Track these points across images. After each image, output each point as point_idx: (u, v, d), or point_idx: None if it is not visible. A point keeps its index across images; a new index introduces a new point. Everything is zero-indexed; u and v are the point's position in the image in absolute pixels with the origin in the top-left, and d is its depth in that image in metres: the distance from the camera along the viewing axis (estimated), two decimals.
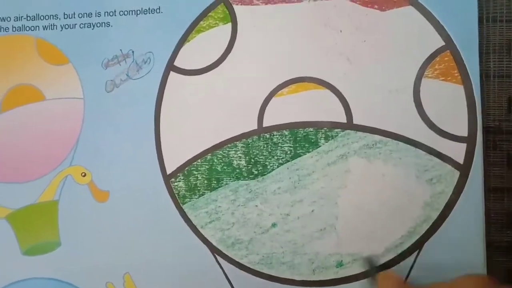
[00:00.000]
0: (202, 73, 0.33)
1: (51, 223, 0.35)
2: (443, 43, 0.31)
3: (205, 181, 0.33)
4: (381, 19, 0.31)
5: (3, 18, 0.36)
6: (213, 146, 0.33)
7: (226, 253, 0.32)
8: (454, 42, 0.30)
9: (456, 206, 0.30)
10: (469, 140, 0.30)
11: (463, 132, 0.30)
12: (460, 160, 0.30)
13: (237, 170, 0.32)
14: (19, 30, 0.36)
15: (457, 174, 0.30)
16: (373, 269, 0.30)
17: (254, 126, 0.32)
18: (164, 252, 0.33)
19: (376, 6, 0.31)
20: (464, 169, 0.30)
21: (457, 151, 0.30)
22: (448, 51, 0.30)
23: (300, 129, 0.32)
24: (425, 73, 0.31)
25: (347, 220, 0.31)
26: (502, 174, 0.30)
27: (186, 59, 0.33)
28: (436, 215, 0.30)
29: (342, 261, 0.31)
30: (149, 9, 0.34)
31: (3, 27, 0.36)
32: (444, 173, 0.30)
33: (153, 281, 0.33)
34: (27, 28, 0.36)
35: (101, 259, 0.34)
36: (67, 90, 0.35)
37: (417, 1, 0.31)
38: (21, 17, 0.36)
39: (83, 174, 0.34)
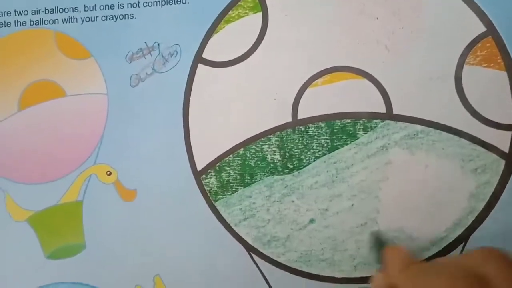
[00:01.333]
0: (232, 65, 0.32)
1: (75, 224, 0.33)
2: (485, 29, 0.30)
3: (238, 177, 0.31)
4: (418, 4, 0.30)
5: (20, 12, 0.34)
6: (245, 141, 0.31)
7: (262, 251, 0.31)
8: (496, 27, 0.29)
9: (502, 197, 0.29)
10: None
11: (508, 119, 0.29)
12: (506, 148, 0.29)
13: (272, 165, 0.31)
14: (37, 24, 0.34)
15: (502, 163, 0.29)
16: (379, 244, 0.28)
17: (288, 118, 0.31)
18: (196, 252, 0.31)
19: None
20: (510, 158, 0.29)
21: (502, 140, 0.29)
22: (490, 37, 0.29)
23: (337, 121, 0.31)
24: (467, 60, 0.30)
25: (389, 214, 0.30)
26: None
27: (215, 50, 0.32)
28: (481, 207, 0.29)
29: None
30: None
31: (20, 21, 0.34)
32: (489, 163, 0.29)
33: (185, 283, 0.32)
34: (46, 22, 0.34)
35: (129, 261, 0.32)
36: (90, 85, 0.33)
37: None
38: (39, 10, 0.34)
39: (108, 172, 0.33)
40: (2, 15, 0.34)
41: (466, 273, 0.20)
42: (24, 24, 0.34)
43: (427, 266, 0.23)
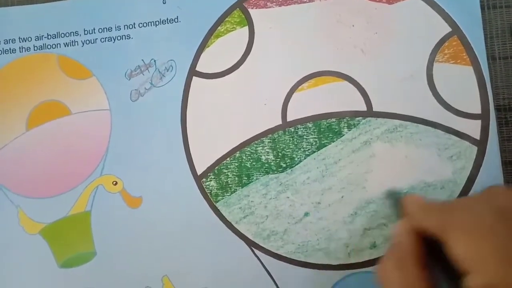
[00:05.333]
0: (224, 76, 0.35)
1: (85, 234, 0.35)
2: (450, 29, 0.33)
3: (236, 178, 0.34)
4: (389, 11, 0.33)
5: (24, 38, 0.37)
6: (240, 144, 0.34)
7: (262, 245, 0.33)
8: (460, 27, 0.33)
9: (477, 180, 0.32)
10: (483, 116, 0.32)
11: (477, 109, 0.32)
12: (477, 136, 0.32)
13: (266, 165, 0.34)
14: (40, 49, 0.37)
15: (475, 149, 0.32)
16: (395, 198, 0.30)
17: (278, 121, 0.34)
18: (201, 251, 0.34)
19: (384, 0, 0.34)
20: (481, 144, 0.32)
21: (473, 128, 0.32)
22: (455, 36, 0.33)
23: (323, 121, 0.33)
24: (436, 58, 0.33)
25: (376, 203, 0.32)
26: None
27: (207, 63, 0.35)
28: (459, 190, 0.32)
29: (375, 242, 0.32)
30: (167, 19, 0.36)
31: (24, 47, 0.37)
32: (463, 150, 0.32)
33: (192, 281, 0.34)
34: (49, 46, 0.37)
35: (138, 264, 0.34)
36: (93, 102, 0.36)
37: None
38: (42, 36, 0.37)
39: (114, 182, 0.35)
40: (7, 43, 0.37)
41: (487, 206, 0.22)
42: (28, 50, 0.37)
43: (447, 204, 0.24)
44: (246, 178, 0.34)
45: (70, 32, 0.36)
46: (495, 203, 0.22)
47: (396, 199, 0.29)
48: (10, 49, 0.37)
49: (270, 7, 0.35)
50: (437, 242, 0.22)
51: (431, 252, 0.23)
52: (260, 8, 0.35)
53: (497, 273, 0.20)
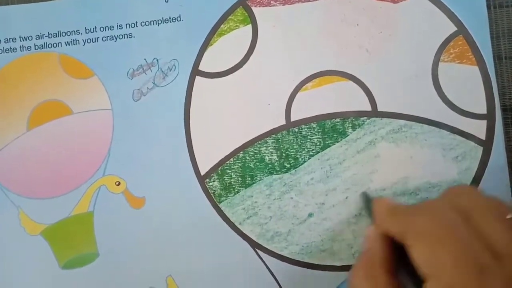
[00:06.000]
0: (227, 75, 0.34)
1: (88, 234, 0.35)
2: (456, 29, 0.32)
3: (239, 179, 0.34)
4: (394, 11, 0.33)
5: (24, 37, 0.36)
6: (244, 144, 0.34)
7: (266, 246, 0.33)
8: (466, 26, 0.32)
9: (483, 181, 0.32)
10: (489, 116, 0.32)
11: (482, 109, 0.32)
12: (482, 136, 0.32)
13: (270, 165, 0.33)
14: (41, 48, 0.36)
15: (480, 149, 0.32)
16: (369, 201, 0.30)
17: (282, 121, 0.34)
18: (205, 252, 0.33)
19: None
20: (486, 144, 0.32)
21: (479, 128, 0.32)
22: (461, 35, 0.32)
23: (327, 121, 0.33)
24: (441, 57, 0.32)
25: None
26: None
27: (210, 62, 0.35)
28: None
29: None
30: (169, 18, 0.35)
31: (25, 46, 0.36)
32: (468, 150, 0.32)
33: (196, 281, 0.33)
34: (50, 45, 0.36)
35: (142, 265, 0.34)
36: (95, 102, 0.36)
37: None
38: (43, 35, 0.36)
39: (117, 183, 0.35)
40: (7, 42, 0.36)
41: (448, 207, 0.22)
42: (29, 49, 0.36)
43: (411, 208, 0.25)
44: (249, 178, 0.34)
45: (72, 31, 0.36)
46: (456, 203, 0.22)
47: (368, 202, 0.29)
48: (10, 48, 0.36)
49: (273, 5, 0.34)
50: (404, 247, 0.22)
51: (401, 257, 0.23)
52: (263, 6, 0.34)
53: (452, 279, 0.19)
